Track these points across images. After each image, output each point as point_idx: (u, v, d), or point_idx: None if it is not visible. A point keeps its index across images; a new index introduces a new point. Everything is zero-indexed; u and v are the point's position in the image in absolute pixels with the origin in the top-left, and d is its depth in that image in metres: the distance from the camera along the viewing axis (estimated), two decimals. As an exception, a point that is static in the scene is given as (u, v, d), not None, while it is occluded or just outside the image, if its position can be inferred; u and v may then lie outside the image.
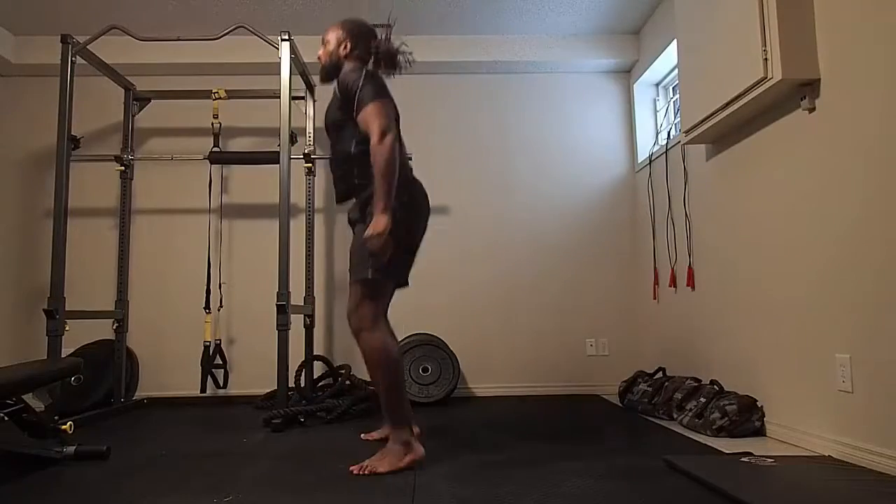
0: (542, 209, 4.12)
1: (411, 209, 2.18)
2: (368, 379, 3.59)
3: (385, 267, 2.10)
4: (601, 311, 4.05)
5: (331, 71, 2.31)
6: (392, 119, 2.11)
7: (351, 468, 2.01)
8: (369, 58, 2.30)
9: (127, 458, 2.27)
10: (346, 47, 2.29)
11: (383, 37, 2.32)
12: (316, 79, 3.82)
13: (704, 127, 2.78)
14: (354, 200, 2.26)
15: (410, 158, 3.71)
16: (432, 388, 3.52)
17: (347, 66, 2.26)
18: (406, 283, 2.32)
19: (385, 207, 2.01)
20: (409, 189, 2.20)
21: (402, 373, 2.14)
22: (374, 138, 2.04)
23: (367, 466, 2.01)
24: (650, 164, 3.84)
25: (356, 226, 2.24)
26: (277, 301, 3.04)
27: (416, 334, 3.79)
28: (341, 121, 2.21)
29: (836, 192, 2.15)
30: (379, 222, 1.99)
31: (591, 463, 2.10)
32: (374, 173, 2.04)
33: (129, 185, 3.78)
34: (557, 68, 4.17)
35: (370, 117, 2.07)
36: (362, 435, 2.57)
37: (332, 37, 2.31)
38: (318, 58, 2.35)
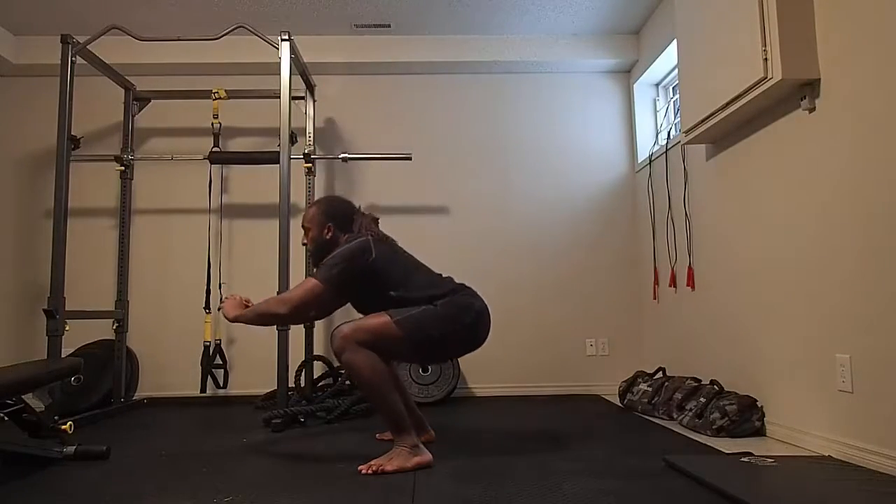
0: (542, 209, 4.11)
1: (445, 323, 2.17)
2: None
3: (414, 337, 2.13)
4: (601, 311, 4.05)
5: (322, 254, 2.32)
6: (307, 304, 2.14)
7: (360, 467, 2.02)
8: (351, 224, 2.35)
9: (127, 458, 2.27)
10: (328, 230, 2.34)
11: (363, 213, 2.40)
12: (316, 79, 3.86)
13: (704, 127, 2.78)
14: None
15: (409, 159, 3.76)
16: (432, 388, 3.52)
17: (340, 242, 2.31)
18: (422, 365, 2.35)
19: (239, 316, 2.19)
20: (454, 306, 2.21)
21: (390, 384, 2.11)
22: (285, 295, 2.20)
23: (374, 465, 2.02)
24: (650, 164, 3.84)
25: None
26: (277, 301, 3.03)
27: (416, 334, 3.78)
28: (366, 283, 2.23)
29: (835, 192, 2.15)
30: (232, 309, 2.21)
31: (591, 463, 2.10)
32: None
33: (129, 185, 3.78)
34: (557, 68, 4.17)
35: (302, 285, 2.17)
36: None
37: (313, 224, 2.35)
38: (303, 244, 2.41)
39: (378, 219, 2.41)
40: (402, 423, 2.10)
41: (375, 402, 2.14)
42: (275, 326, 3.02)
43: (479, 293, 2.32)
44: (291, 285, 3.10)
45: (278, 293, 3.03)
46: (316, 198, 3.92)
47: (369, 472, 1.99)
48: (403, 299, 2.18)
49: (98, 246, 3.95)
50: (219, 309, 2.36)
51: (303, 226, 2.40)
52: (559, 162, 4.16)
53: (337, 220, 2.35)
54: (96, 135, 4.00)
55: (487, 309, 2.29)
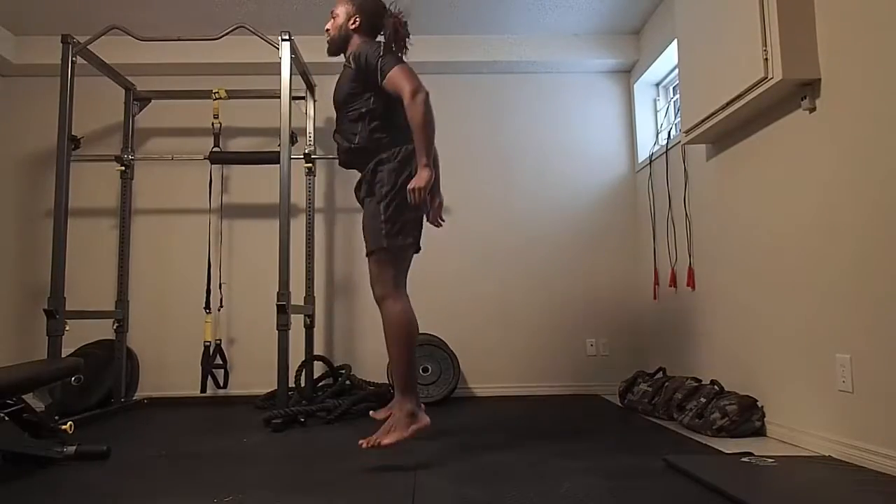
0: (542, 209, 4.11)
1: (398, 199, 2.21)
2: (368, 379, 3.62)
3: (398, 232, 2.19)
4: (601, 311, 4.05)
5: (339, 44, 2.36)
6: (416, 75, 2.14)
7: (359, 442, 2.05)
8: (378, 33, 2.33)
9: (127, 458, 2.27)
10: (355, 21, 2.32)
11: (393, 14, 2.33)
12: (316, 79, 3.85)
13: (705, 127, 2.78)
14: (361, 176, 2.32)
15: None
16: (433, 388, 3.52)
17: (359, 40, 2.30)
18: (419, 248, 2.34)
19: (427, 161, 2.11)
20: (396, 169, 2.23)
21: (415, 342, 2.21)
22: (406, 98, 2.11)
23: (374, 439, 2.04)
24: (650, 164, 3.84)
25: (364, 201, 2.30)
26: (277, 301, 3.04)
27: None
28: (353, 94, 2.26)
29: (836, 192, 2.15)
30: (422, 176, 2.12)
31: (591, 463, 2.10)
32: (410, 131, 2.13)
33: (129, 185, 3.77)
34: (557, 68, 4.17)
35: (399, 80, 2.13)
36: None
37: (342, 10, 2.35)
38: (326, 30, 2.39)
39: (406, 22, 2.32)
40: (412, 382, 2.15)
41: (397, 354, 2.18)
42: (275, 326, 3.02)
43: None
44: (292, 285, 3.13)
45: (279, 293, 3.04)
46: (316, 198, 3.94)
47: (367, 445, 2.03)
48: (369, 133, 2.23)
49: (98, 246, 3.95)
50: (418, 199, 2.16)
51: (332, 12, 2.37)
52: (559, 162, 4.16)
53: (365, 16, 2.32)
54: (97, 135, 4.00)
55: None
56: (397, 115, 2.22)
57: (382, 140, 2.25)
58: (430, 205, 2.35)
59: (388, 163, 2.22)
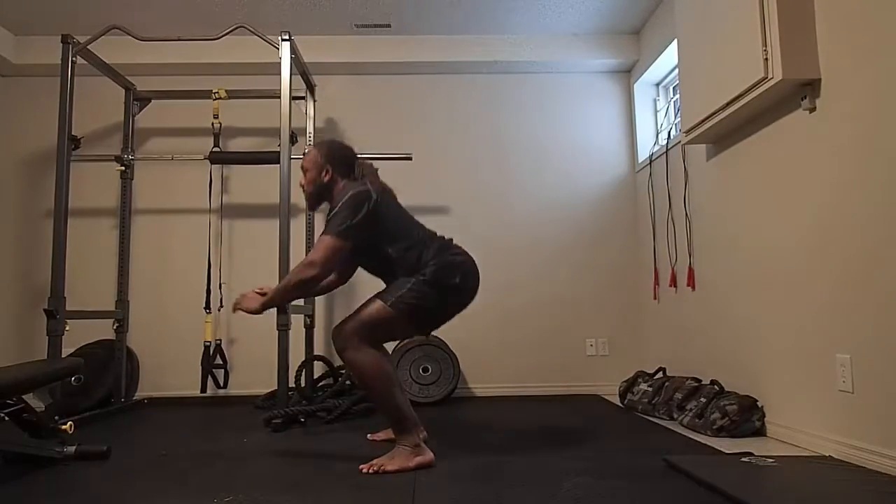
0: (542, 209, 4.11)
1: (435, 289, 2.18)
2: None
3: (409, 314, 2.16)
4: (601, 311, 4.05)
5: (319, 197, 2.33)
6: (332, 261, 2.10)
7: (360, 467, 2.02)
8: (353, 168, 2.32)
9: (127, 458, 2.27)
10: (327, 173, 2.30)
11: (360, 163, 2.36)
12: (316, 79, 3.85)
13: (705, 127, 2.78)
14: None
15: (410, 159, 3.76)
16: (432, 388, 3.52)
17: (340, 186, 2.28)
18: (426, 335, 2.32)
19: (268, 299, 2.19)
20: (441, 268, 2.20)
21: (393, 383, 2.13)
22: (306, 258, 2.12)
23: (375, 465, 2.02)
24: (650, 164, 3.84)
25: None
26: (277, 301, 3.03)
27: (417, 334, 3.79)
28: (369, 233, 2.22)
29: (836, 192, 2.15)
30: (256, 301, 2.20)
31: (591, 463, 2.10)
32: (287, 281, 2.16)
33: (129, 185, 3.77)
34: (557, 68, 4.17)
35: (319, 244, 2.11)
36: (369, 435, 2.57)
37: (311, 164, 2.32)
38: (301, 186, 2.36)
39: (378, 169, 2.37)
40: (406, 421, 2.10)
41: (378, 401, 2.16)
42: (275, 325, 3.02)
43: (464, 249, 2.36)
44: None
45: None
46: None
47: (370, 471, 1.99)
48: (397, 259, 2.20)
49: (98, 246, 3.95)
50: (234, 311, 2.27)
51: (302, 167, 2.36)
52: (559, 162, 4.16)
53: (336, 163, 2.30)
54: (97, 135, 4.00)
55: (473, 263, 2.33)
56: (407, 232, 2.23)
57: (411, 261, 2.21)
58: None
59: (421, 279, 2.18)
